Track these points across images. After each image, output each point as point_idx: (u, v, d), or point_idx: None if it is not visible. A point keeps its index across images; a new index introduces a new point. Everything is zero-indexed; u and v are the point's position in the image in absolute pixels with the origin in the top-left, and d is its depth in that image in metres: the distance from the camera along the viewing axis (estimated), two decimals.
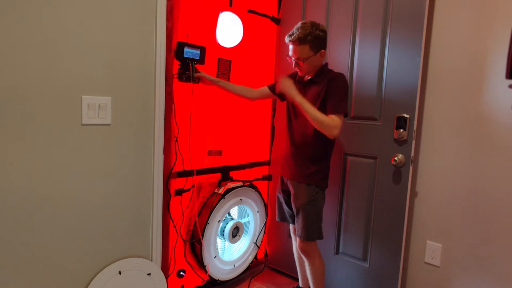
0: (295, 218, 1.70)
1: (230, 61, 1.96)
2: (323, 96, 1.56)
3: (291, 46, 1.57)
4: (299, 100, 1.52)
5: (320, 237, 1.67)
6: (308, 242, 1.66)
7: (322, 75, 1.60)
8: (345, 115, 1.57)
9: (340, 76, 1.58)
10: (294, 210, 1.69)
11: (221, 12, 1.87)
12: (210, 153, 1.88)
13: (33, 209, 1.17)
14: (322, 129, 1.50)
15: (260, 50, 2.15)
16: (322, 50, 1.57)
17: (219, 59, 1.90)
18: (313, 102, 1.57)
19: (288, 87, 1.55)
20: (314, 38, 1.52)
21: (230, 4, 1.92)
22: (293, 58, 1.58)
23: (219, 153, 1.93)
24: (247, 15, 2.02)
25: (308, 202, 1.63)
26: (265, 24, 2.15)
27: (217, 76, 1.90)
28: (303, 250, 1.69)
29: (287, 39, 1.56)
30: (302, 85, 1.67)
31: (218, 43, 1.89)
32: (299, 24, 1.55)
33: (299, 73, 1.66)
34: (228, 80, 1.97)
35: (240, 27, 1.99)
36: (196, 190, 1.86)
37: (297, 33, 1.52)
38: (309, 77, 1.65)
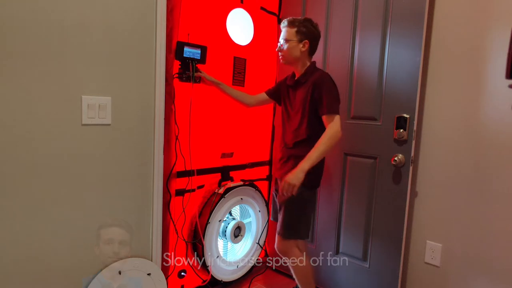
0: (278, 215, 1.67)
1: (245, 60, 1.96)
2: (310, 97, 1.56)
3: (283, 30, 1.64)
4: (306, 166, 1.45)
5: (299, 237, 1.62)
6: (285, 240, 1.62)
7: (308, 75, 1.61)
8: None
9: (327, 75, 1.58)
10: (278, 206, 1.68)
11: (233, 9, 1.87)
12: (223, 155, 1.95)
13: (33, 208, 1.18)
14: (334, 142, 1.49)
15: (270, 49, 2.16)
16: (307, 40, 1.60)
17: (234, 58, 1.89)
18: (302, 105, 1.59)
19: (292, 184, 1.45)
20: (302, 26, 1.59)
21: (242, 1, 1.93)
22: (280, 41, 1.64)
23: (231, 154, 1.99)
24: (256, 13, 2.02)
25: (291, 200, 1.57)
26: (272, 22, 2.16)
27: (233, 76, 1.92)
28: (280, 249, 1.64)
29: (281, 24, 1.64)
30: (292, 88, 1.68)
31: (229, 42, 1.88)
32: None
33: (280, 59, 1.68)
34: (244, 79, 1.98)
35: (252, 25, 2.00)
36: (199, 191, 1.86)
37: (291, 18, 1.62)
38: (296, 78, 1.66)
